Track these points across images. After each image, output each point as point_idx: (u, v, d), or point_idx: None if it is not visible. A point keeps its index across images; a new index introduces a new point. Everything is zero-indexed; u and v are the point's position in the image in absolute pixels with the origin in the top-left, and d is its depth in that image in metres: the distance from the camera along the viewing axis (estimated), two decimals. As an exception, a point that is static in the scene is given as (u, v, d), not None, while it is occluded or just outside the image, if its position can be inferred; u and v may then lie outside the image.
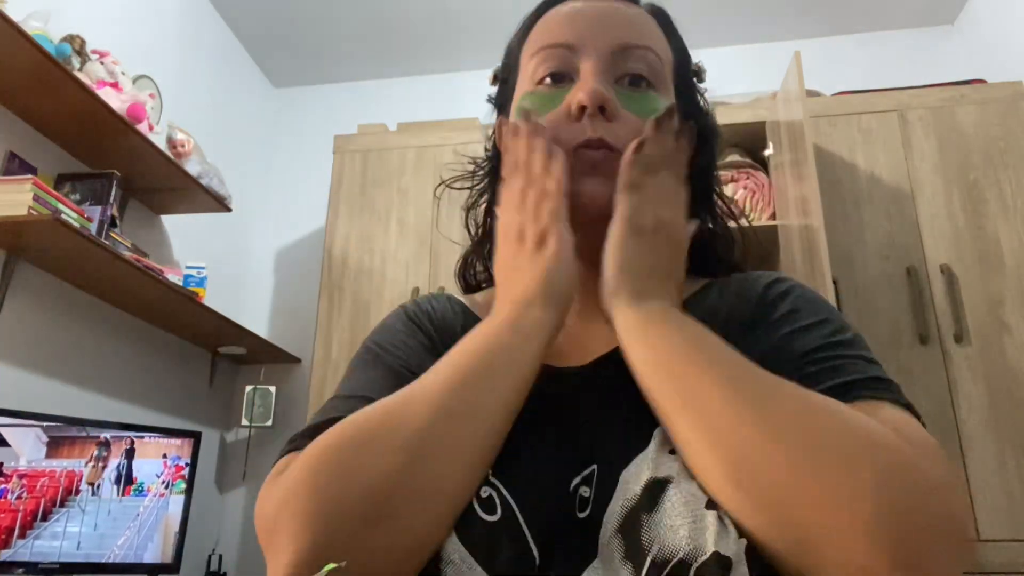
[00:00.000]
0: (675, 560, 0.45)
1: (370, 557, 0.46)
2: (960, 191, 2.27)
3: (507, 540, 0.48)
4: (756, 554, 0.45)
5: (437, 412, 0.50)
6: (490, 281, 0.76)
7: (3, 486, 1.85)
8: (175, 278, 2.35)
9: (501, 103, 0.74)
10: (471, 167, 0.78)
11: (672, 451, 0.51)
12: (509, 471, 0.52)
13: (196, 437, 2.34)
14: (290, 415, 2.92)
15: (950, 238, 2.23)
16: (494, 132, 0.74)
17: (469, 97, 3.19)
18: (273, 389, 2.90)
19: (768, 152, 2.41)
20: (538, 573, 0.48)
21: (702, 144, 0.70)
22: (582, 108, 0.60)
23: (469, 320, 0.67)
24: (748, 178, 2.40)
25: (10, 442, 1.88)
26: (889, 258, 2.24)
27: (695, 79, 0.73)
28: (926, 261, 2.21)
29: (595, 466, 0.53)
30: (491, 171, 0.75)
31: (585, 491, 0.52)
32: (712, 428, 0.47)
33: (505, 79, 0.73)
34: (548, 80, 0.64)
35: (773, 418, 0.46)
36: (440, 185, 0.82)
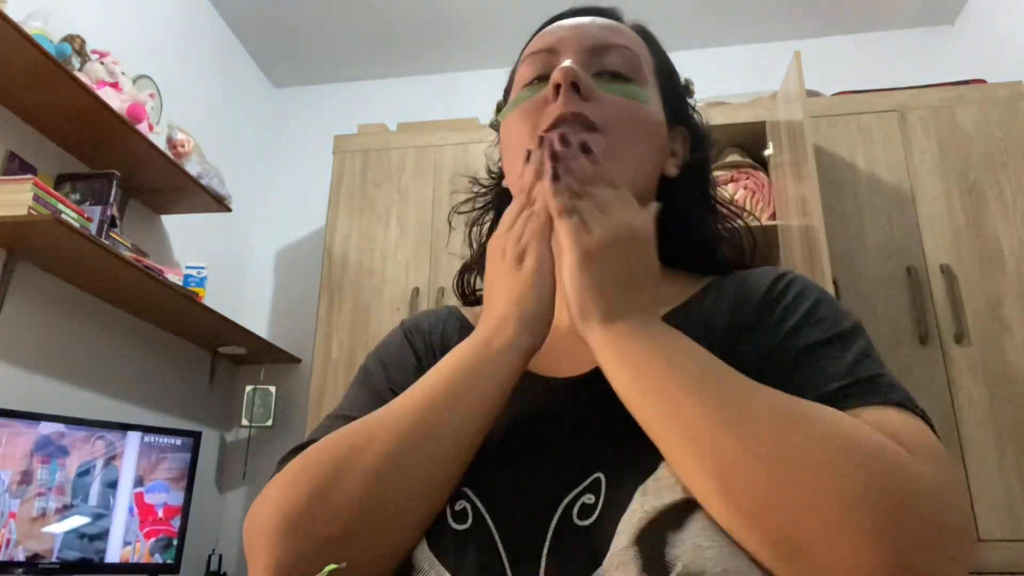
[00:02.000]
0: None
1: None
2: (960, 191, 2.27)
3: (474, 547, 0.50)
4: None
5: (400, 438, 0.52)
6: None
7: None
8: (175, 278, 2.35)
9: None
10: (476, 187, 0.80)
11: None
12: (488, 482, 0.54)
13: (196, 437, 2.34)
14: (290, 415, 2.92)
15: (950, 238, 2.23)
16: (500, 158, 0.75)
17: (469, 97, 3.19)
18: (273, 389, 2.90)
19: (768, 152, 2.41)
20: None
21: (695, 147, 0.72)
22: (556, 87, 0.60)
23: (467, 334, 0.67)
24: (748, 178, 2.40)
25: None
26: (889, 258, 2.23)
27: (684, 93, 0.74)
28: (926, 261, 2.21)
29: (599, 474, 0.52)
30: (495, 190, 0.77)
31: (589, 498, 0.51)
32: (696, 443, 0.46)
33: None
34: (535, 82, 0.66)
35: (754, 430, 0.45)
36: (452, 212, 0.83)
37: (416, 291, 2.50)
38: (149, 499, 2.16)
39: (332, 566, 0.39)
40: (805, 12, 3.01)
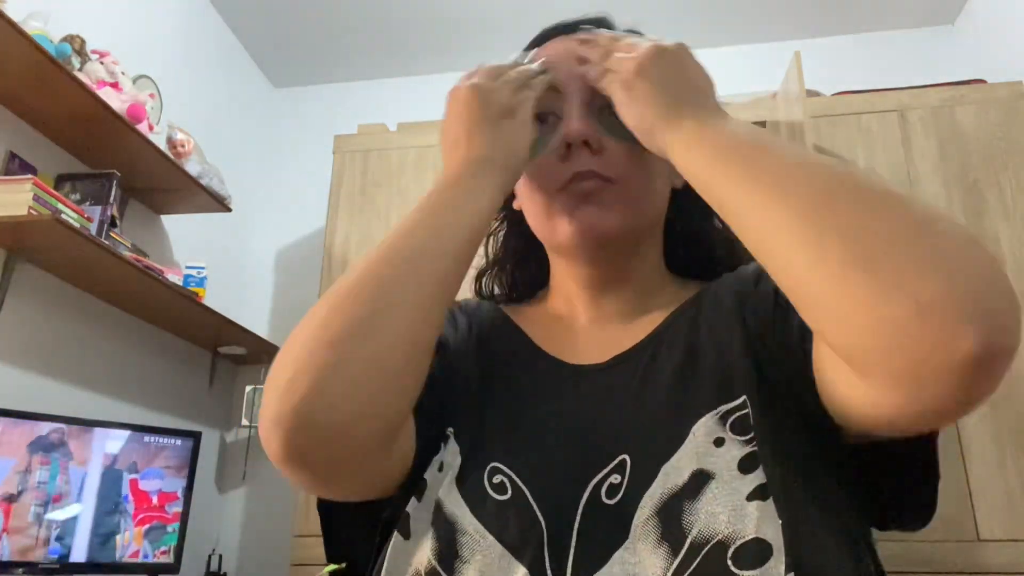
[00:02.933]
0: (713, 542, 0.47)
1: (342, 387, 0.49)
2: (960, 191, 2.27)
3: (515, 515, 0.53)
4: (795, 542, 0.46)
5: (383, 260, 0.56)
6: (505, 299, 0.79)
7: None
8: (175, 278, 2.35)
9: None
10: None
11: (716, 442, 0.53)
12: (520, 461, 0.57)
13: (196, 437, 2.34)
14: (290, 415, 2.92)
15: (950, 238, 2.22)
16: None
17: (469, 97, 3.19)
18: (273, 389, 2.89)
19: (768, 152, 2.40)
20: (560, 552, 0.51)
21: None
22: (568, 146, 0.63)
23: (499, 320, 0.71)
24: (748, 178, 2.40)
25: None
26: (889, 258, 2.23)
27: None
28: (926, 261, 2.21)
29: (626, 456, 0.55)
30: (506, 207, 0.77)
31: (616, 478, 0.54)
32: (806, 207, 0.46)
33: None
34: (536, 117, 0.66)
35: (867, 191, 0.45)
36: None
37: (416, 291, 2.50)
38: (144, 486, 2.15)
39: (332, 567, 0.39)
40: (805, 12, 3.01)
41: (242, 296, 3.10)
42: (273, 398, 0.50)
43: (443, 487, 0.56)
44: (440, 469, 0.58)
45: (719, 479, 0.50)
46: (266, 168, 3.37)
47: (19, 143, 2.11)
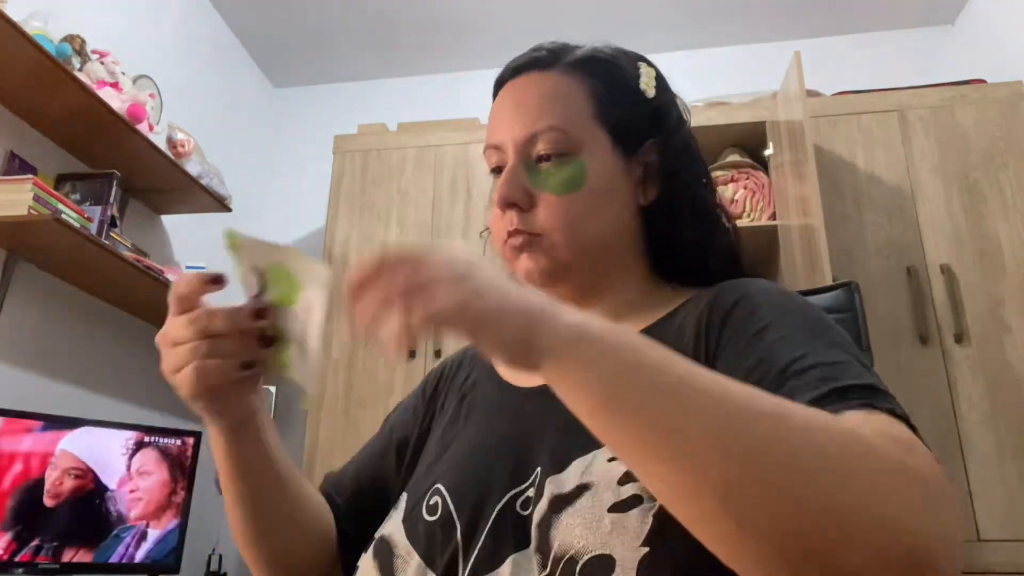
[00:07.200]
0: (567, 556, 0.51)
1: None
2: (960, 191, 2.27)
3: (441, 535, 0.59)
4: (654, 560, 0.48)
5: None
6: None
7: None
8: (175, 278, 2.35)
9: None
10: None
11: (610, 459, 0.54)
12: (456, 478, 0.63)
13: (196, 437, 2.34)
14: (290, 415, 2.92)
15: (950, 238, 2.23)
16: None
17: (469, 97, 3.19)
18: (273, 389, 2.90)
19: (768, 152, 2.41)
20: (468, 555, 0.57)
21: (673, 160, 0.73)
22: (502, 208, 0.70)
23: (468, 357, 0.81)
24: (748, 178, 2.40)
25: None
26: (889, 258, 2.23)
27: (641, 104, 0.73)
28: (926, 261, 2.21)
29: (539, 468, 0.59)
30: None
31: (532, 492, 0.58)
32: (690, 466, 0.41)
33: None
34: (493, 171, 0.74)
35: (752, 443, 0.41)
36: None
37: (416, 291, 2.50)
38: (143, 487, 2.15)
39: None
40: (805, 12, 3.01)
41: (242, 296, 3.10)
42: None
43: (388, 523, 0.65)
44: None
45: (595, 489, 0.53)
46: (266, 168, 3.37)
47: (19, 143, 2.11)
